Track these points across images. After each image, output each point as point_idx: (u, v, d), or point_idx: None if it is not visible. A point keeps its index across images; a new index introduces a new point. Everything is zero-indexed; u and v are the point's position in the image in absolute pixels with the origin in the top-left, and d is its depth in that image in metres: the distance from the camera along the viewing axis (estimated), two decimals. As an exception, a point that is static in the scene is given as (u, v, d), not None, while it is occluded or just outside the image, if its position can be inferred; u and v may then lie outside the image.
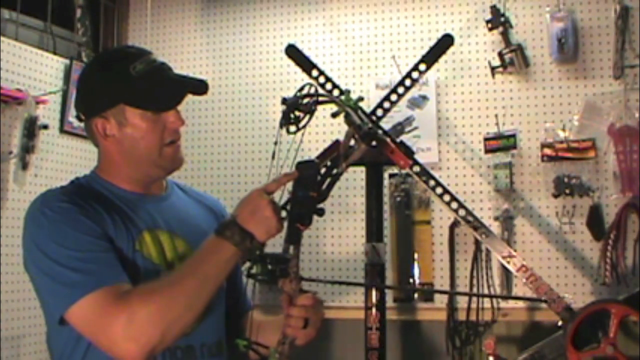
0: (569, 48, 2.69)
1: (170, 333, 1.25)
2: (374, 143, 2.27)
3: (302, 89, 1.46)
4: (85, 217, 1.31)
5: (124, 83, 1.39)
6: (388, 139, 2.38)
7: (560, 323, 2.32)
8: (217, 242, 1.31)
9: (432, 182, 2.44)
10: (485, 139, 2.76)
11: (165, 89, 1.40)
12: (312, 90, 1.46)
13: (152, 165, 1.43)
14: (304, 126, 1.44)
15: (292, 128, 1.46)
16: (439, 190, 2.44)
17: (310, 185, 1.34)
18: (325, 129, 2.77)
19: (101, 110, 1.40)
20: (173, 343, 1.30)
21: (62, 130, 2.76)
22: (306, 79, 2.58)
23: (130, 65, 1.39)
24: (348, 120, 1.41)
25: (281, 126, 1.43)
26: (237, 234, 1.30)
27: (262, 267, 1.35)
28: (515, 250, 2.53)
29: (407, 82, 2.48)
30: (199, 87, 1.46)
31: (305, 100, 1.44)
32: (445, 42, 2.46)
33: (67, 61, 2.79)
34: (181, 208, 1.52)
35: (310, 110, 1.44)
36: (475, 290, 2.73)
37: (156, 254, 1.39)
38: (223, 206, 1.66)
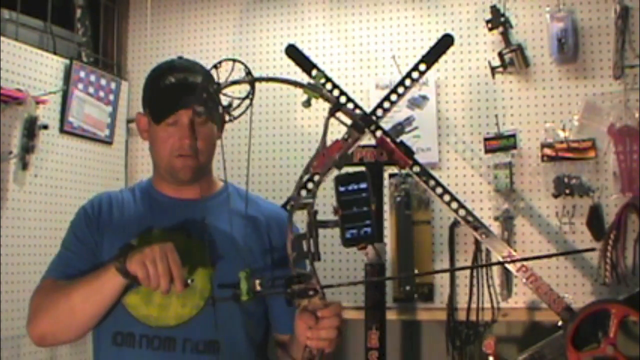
0: (569, 48, 2.69)
1: (59, 330, 1.48)
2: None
3: (215, 66, 1.34)
4: (85, 224, 1.59)
5: (151, 91, 1.59)
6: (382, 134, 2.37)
7: (560, 323, 2.32)
8: (109, 266, 1.42)
9: (432, 182, 2.44)
10: (485, 139, 2.76)
11: (165, 104, 1.52)
12: (242, 70, 1.34)
13: (164, 171, 1.59)
14: (242, 113, 1.33)
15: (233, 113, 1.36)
16: (439, 190, 2.44)
17: (362, 199, 1.25)
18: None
19: (143, 106, 1.64)
20: (72, 339, 1.51)
21: (62, 130, 2.76)
22: (306, 78, 2.58)
23: (168, 76, 1.54)
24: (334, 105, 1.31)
25: (199, 115, 1.38)
26: (123, 265, 1.39)
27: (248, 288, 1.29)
28: (515, 250, 2.53)
29: (407, 82, 2.48)
30: (197, 110, 1.49)
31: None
32: (445, 42, 2.46)
33: (67, 61, 2.79)
34: (212, 213, 1.58)
35: (249, 95, 1.32)
36: (475, 290, 2.73)
37: None
38: (277, 220, 1.64)
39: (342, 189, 1.24)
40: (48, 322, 1.47)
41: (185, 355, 1.47)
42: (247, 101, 1.32)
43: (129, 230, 1.55)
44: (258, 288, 1.29)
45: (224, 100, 1.33)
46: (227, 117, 1.33)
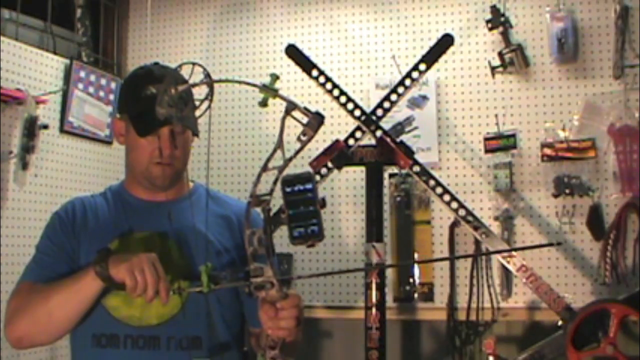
0: (569, 48, 2.69)
1: (36, 333, 1.48)
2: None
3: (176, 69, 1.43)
4: (60, 229, 1.60)
5: (132, 99, 1.58)
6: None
7: (560, 323, 2.32)
8: (88, 270, 1.42)
9: (432, 182, 2.44)
10: (485, 139, 2.76)
11: (150, 118, 1.49)
12: (200, 73, 1.40)
13: (141, 176, 1.61)
14: (201, 114, 1.42)
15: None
16: (439, 190, 2.44)
17: (308, 200, 1.30)
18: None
19: (119, 112, 1.66)
20: (49, 341, 1.52)
21: (62, 130, 2.76)
22: (306, 79, 2.58)
23: (148, 85, 1.55)
24: (290, 103, 1.36)
25: (160, 117, 1.39)
26: (104, 270, 1.39)
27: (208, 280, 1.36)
28: (515, 250, 2.53)
29: (407, 82, 2.49)
30: (182, 127, 1.57)
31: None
32: (445, 42, 2.46)
33: (67, 61, 2.79)
34: (185, 213, 1.60)
35: (207, 96, 1.40)
36: (475, 290, 2.73)
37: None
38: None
39: (288, 189, 1.28)
40: (26, 325, 1.48)
41: (170, 352, 1.51)
42: (207, 102, 1.41)
43: (104, 234, 1.58)
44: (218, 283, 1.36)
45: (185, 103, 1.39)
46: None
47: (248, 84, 1.40)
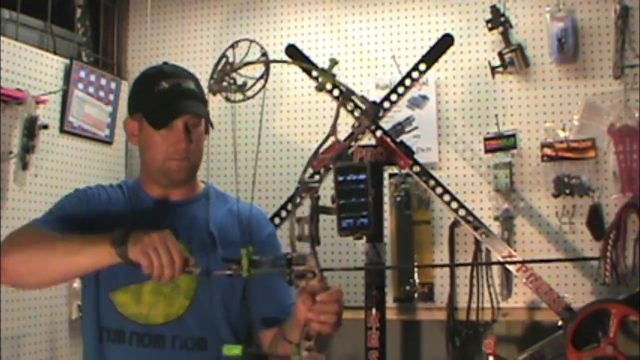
0: (569, 48, 2.69)
1: (25, 272, 1.44)
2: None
3: (232, 46, 1.33)
4: (77, 203, 1.60)
5: (145, 96, 1.60)
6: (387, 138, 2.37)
7: (560, 323, 2.32)
8: (105, 243, 1.38)
9: (432, 182, 2.44)
10: (485, 139, 2.76)
11: (165, 111, 1.54)
12: (258, 51, 1.33)
13: (157, 173, 1.60)
14: (255, 94, 1.32)
15: (238, 96, 1.33)
16: (439, 190, 2.44)
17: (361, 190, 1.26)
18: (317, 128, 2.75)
19: (131, 112, 1.66)
20: (29, 285, 1.54)
21: (62, 130, 2.75)
22: (306, 79, 2.59)
23: (160, 81, 1.57)
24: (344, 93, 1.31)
25: (214, 93, 1.32)
26: (124, 252, 1.35)
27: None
28: (515, 250, 2.53)
29: (407, 82, 2.49)
30: (197, 116, 1.58)
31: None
32: (445, 42, 2.47)
33: (67, 61, 2.79)
34: (198, 215, 1.62)
35: (263, 75, 1.31)
36: (475, 290, 2.73)
37: None
38: (257, 217, 1.67)
39: (341, 178, 1.25)
40: (17, 259, 1.44)
41: (175, 352, 1.51)
42: (262, 81, 1.32)
43: (113, 226, 1.55)
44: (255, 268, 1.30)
45: (239, 80, 1.33)
46: (240, 96, 1.33)
47: (307, 66, 1.36)
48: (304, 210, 1.33)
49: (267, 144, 2.99)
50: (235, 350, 1.32)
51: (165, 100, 1.56)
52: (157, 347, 1.51)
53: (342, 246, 2.89)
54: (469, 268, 2.75)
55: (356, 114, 2.47)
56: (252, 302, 1.61)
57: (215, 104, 1.49)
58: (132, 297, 1.53)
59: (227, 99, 1.34)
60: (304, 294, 1.31)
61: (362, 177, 1.25)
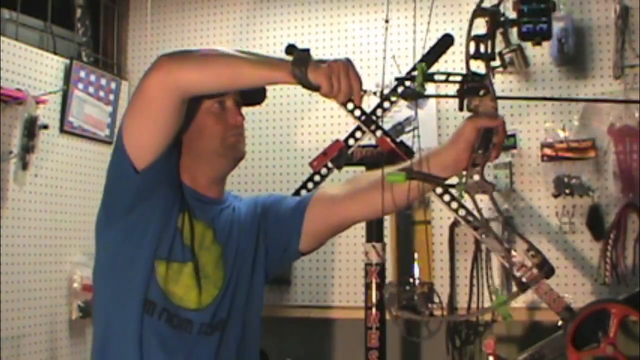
0: (569, 48, 2.69)
1: (182, 77, 1.36)
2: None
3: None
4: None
5: None
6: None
7: (560, 323, 2.32)
8: (281, 63, 1.37)
9: (432, 182, 2.44)
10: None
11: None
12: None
13: (216, 155, 1.55)
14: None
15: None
16: (439, 190, 2.44)
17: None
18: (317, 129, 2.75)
19: None
20: (184, 86, 1.37)
21: (62, 130, 2.76)
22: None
23: None
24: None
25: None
26: (304, 74, 1.34)
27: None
28: (515, 250, 2.53)
29: (407, 82, 2.48)
30: (254, 95, 1.60)
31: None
32: (445, 42, 2.46)
33: (67, 61, 2.79)
34: (231, 216, 1.62)
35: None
36: (475, 290, 2.73)
37: (187, 235, 1.52)
38: (257, 198, 1.69)
39: None
40: (179, 60, 1.39)
41: (200, 336, 1.51)
42: None
43: (176, 208, 1.53)
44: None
45: None
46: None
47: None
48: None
49: (267, 143, 3.00)
50: (398, 177, 1.34)
51: None
52: (184, 331, 1.49)
53: (342, 246, 2.89)
54: (469, 268, 2.75)
55: (356, 113, 2.48)
56: (283, 225, 1.61)
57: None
58: (173, 274, 1.49)
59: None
60: (474, 117, 1.33)
61: None
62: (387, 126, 2.57)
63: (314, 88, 1.34)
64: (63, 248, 2.74)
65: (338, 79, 1.33)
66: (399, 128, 2.80)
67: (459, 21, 2.89)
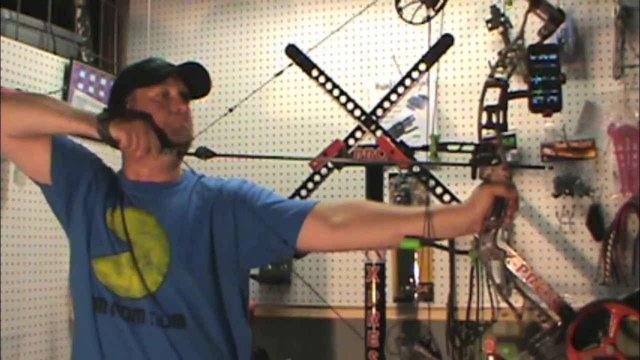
0: (569, 48, 2.69)
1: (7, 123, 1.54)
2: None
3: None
4: (93, 159, 1.77)
5: (137, 73, 1.66)
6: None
7: (560, 323, 2.32)
8: (88, 117, 1.56)
9: (432, 182, 2.44)
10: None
11: (160, 69, 1.62)
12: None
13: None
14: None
15: None
16: (439, 190, 2.44)
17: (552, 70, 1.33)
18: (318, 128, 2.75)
19: (116, 102, 1.68)
20: (15, 131, 1.56)
21: (62, 130, 2.75)
22: (306, 79, 2.58)
23: (149, 64, 1.67)
24: None
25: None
26: (104, 128, 1.51)
27: None
28: (515, 250, 2.53)
29: (407, 82, 2.49)
30: (196, 74, 1.64)
31: None
32: (445, 42, 2.46)
33: (67, 61, 2.79)
34: (186, 200, 1.61)
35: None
36: (475, 290, 2.73)
37: (120, 227, 1.57)
38: (239, 187, 1.64)
39: (533, 57, 1.30)
40: (14, 105, 1.56)
41: (153, 327, 1.51)
42: None
43: (99, 204, 1.61)
44: None
45: None
46: None
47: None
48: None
49: (267, 143, 3.00)
50: (413, 243, 1.34)
51: (158, 64, 1.65)
52: (137, 321, 1.51)
53: (342, 246, 2.89)
54: (468, 268, 2.75)
55: (356, 113, 2.48)
56: (269, 228, 1.54)
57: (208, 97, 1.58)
58: (113, 267, 1.53)
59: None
60: (498, 185, 1.30)
61: (553, 57, 1.31)
62: (387, 126, 2.57)
63: (114, 142, 1.49)
64: (63, 248, 2.70)
65: (137, 136, 1.48)
66: (399, 128, 2.80)
67: (459, 21, 2.88)
